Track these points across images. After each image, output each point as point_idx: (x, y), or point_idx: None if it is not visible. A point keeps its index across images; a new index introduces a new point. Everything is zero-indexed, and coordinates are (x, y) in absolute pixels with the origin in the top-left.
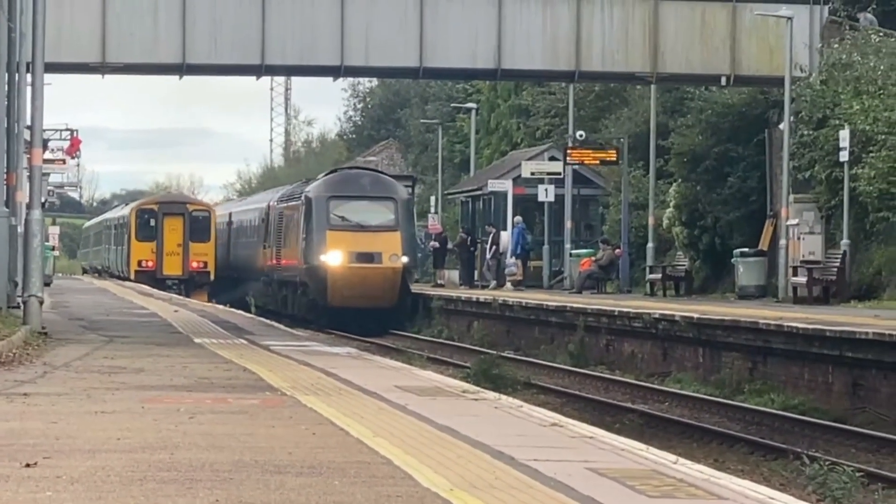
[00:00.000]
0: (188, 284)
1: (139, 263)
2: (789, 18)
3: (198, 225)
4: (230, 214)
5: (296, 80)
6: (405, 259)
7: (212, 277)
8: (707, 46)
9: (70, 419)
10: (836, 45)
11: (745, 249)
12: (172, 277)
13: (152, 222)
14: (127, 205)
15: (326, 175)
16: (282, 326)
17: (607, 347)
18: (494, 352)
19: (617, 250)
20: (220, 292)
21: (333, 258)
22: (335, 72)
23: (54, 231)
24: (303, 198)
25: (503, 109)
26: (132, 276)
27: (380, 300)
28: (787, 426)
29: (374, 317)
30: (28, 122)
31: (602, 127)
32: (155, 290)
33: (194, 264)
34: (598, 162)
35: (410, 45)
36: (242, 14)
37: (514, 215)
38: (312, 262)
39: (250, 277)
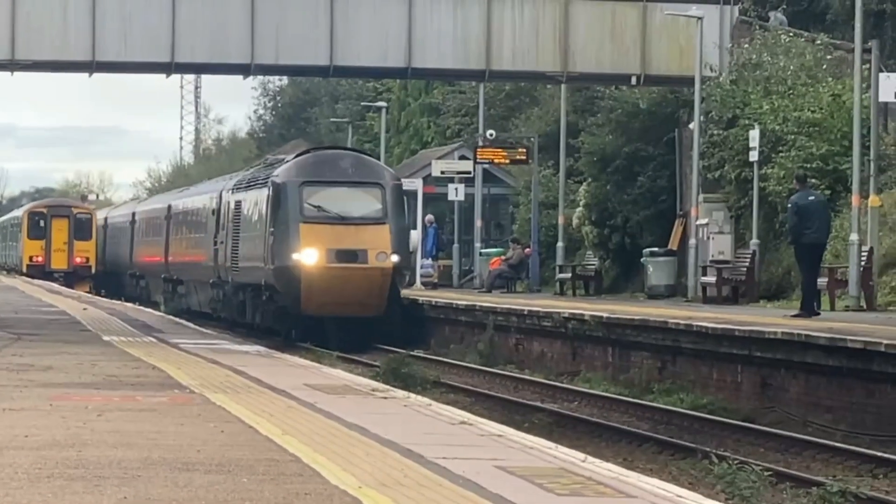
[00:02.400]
0: (72, 277)
1: (31, 259)
2: (699, 18)
3: (81, 225)
4: (171, 207)
5: (206, 79)
6: (395, 258)
7: (93, 271)
8: (617, 46)
9: None
10: (746, 45)
11: (655, 249)
12: (59, 271)
13: (42, 223)
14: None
15: (298, 156)
16: (191, 325)
17: (517, 346)
18: (403, 351)
19: (527, 249)
20: (114, 287)
21: (308, 257)
22: (245, 70)
23: None
24: (269, 184)
25: (413, 108)
26: (24, 270)
27: (364, 307)
28: (695, 425)
29: (357, 328)
30: None
31: (512, 126)
32: (64, 289)
33: (78, 259)
34: (508, 161)
35: (321, 43)
36: (152, 11)
37: (424, 214)
38: (282, 262)
39: (192, 279)
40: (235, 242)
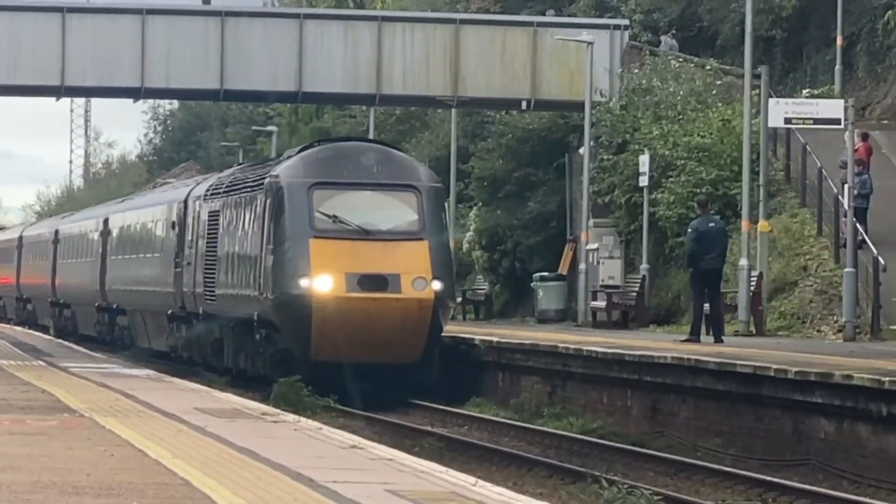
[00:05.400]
0: None
1: None
2: (590, 43)
3: None
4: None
5: (97, 102)
6: (437, 285)
7: None
8: (508, 70)
9: None
10: (636, 71)
11: (545, 274)
12: None
13: None
14: None
15: (304, 150)
16: (81, 349)
17: None
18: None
19: None
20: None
21: (321, 284)
22: (135, 93)
23: None
24: (265, 186)
25: (304, 132)
26: None
27: (396, 352)
28: (585, 450)
29: (384, 378)
30: None
31: (403, 150)
32: None
33: None
34: None
35: (211, 67)
36: (42, 35)
37: None
38: (284, 291)
39: (139, 309)
40: (211, 263)
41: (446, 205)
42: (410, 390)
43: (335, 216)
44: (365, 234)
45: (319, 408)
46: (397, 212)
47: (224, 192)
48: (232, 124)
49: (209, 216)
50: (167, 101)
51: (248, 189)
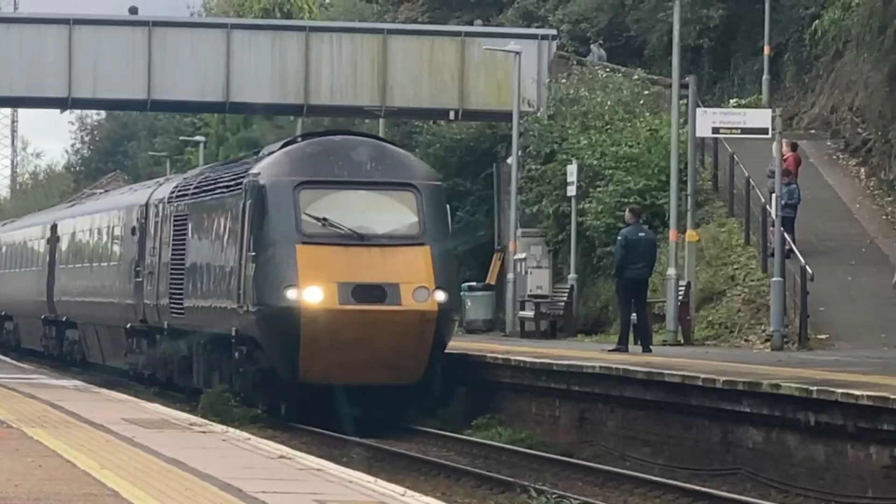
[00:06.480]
0: None
1: None
2: (517, 53)
3: None
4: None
5: (24, 113)
6: (441, 296)
7: None
8: (436, 80)
9: None
10: (563, 80)
11: (473, 283)
12: None
13: None
14: None
15: (287, 144)
16: (7, 359)
17: None
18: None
19: None
20: None
21: (310, 295)
22: (62, 104)
23: None
24: (244, 186)
25: (232, 142)
26: None
27: (395, 371)
28: (514, 459)
29: (381, 401)
30: None
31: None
32: None
33: None
34: None
35: (138, 77)
36: None
37: None
38: (268, 303)
39: (93, 323)
40: (178, 272)
41: (447, 205)
42: (409, 414)
43: (325, 219)
44: (359, 239)
45: (247, 418)
46: (395, 214)
47: (193, 193)
48: (159, 134)
49: (175, 221)
50: (94, 111)
51: (223, 190)
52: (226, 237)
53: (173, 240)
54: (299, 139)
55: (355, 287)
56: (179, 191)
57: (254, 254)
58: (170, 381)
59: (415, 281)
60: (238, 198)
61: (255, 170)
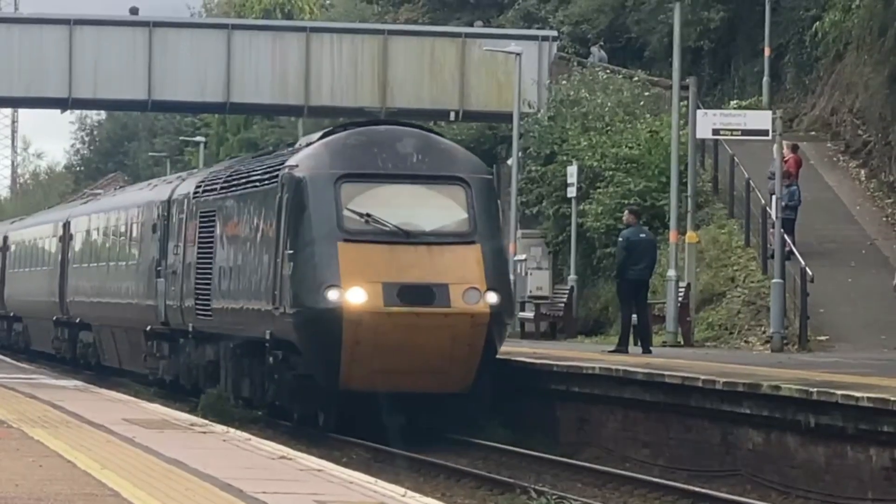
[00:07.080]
0: None
1: None
2: (518, 54)
3: None
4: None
5: (25, 113)
6: (493, 297)
7: None
8: (436, 81)
9: None
10: (564, 82)
11: None
12: None
13: None
14: None
15: (326, 135)
16: (7, 359)
17: None
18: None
19: None
20: None
21: (353, 296)
22: (63, 104)
23: None
24: (281, 179)
25: (232, 143)
26: None
27: (443, 379)
28: (514, 461)
29: (428, 410)
30: None
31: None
32: None
33: None
34: None
35: (139, 77)
36: None
37: None
38: (307, 304)
39: (111, 324)
40: (205, 271)
41: (499, 201)
42: (455, 426)
43: (368, 215)
44: (405, 237)
45: (248, 419)
46: (443, 209)
47: (221, 188)
48: (159, 135)
49: (202, 217)
50: (95, 111)
51: (256, 184)
52: (259, 234)
53: (199, 237)
54: (340, 129)
55: (401, 288)
56: (206, 186)
57: (291, 252)
58: (195, 387)
59: (465, 281)
60: (273, 192)
61: (291, 161)
